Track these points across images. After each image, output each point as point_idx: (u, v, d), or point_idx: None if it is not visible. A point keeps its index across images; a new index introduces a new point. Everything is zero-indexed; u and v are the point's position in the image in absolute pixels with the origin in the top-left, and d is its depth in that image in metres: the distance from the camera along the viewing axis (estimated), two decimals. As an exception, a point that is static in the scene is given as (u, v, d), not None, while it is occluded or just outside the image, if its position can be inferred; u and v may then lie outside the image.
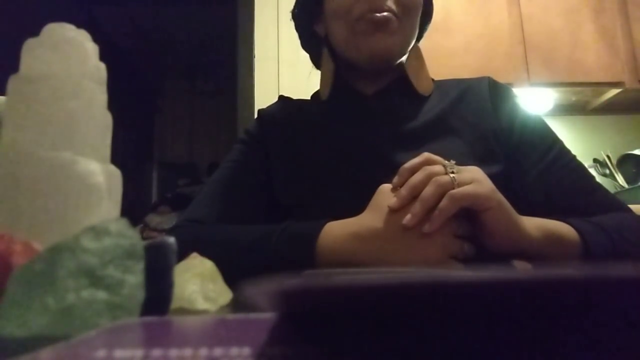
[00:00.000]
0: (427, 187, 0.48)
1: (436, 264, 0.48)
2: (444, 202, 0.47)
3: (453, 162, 0.50)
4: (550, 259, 0.52)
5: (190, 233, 0.62)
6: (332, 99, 0.74)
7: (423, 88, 0.72)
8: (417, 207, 0.47)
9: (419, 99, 0.71)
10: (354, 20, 0.66)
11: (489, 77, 0.74)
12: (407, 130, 0.68)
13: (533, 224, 0.51)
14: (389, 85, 0.72)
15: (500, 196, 0.49)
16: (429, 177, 0.48)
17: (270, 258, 0.53)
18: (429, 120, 0.68)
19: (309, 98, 0.80)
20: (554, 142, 0.68)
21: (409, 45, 0.71)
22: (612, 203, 0.63)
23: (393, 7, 0.65)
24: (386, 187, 0.52)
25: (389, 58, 0.69)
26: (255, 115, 0.79)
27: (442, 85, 0.75)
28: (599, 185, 0.66)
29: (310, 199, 0.65)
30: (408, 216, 0.47)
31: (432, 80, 0.77)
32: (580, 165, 0.67)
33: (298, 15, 0.77)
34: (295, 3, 0.77)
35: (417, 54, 0.73)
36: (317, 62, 0.81)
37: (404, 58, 0.72)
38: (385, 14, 0.65)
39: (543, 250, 0.51)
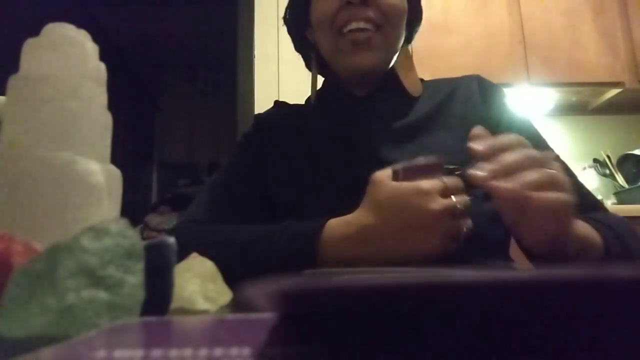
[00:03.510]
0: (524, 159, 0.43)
1: (437, 251, 0.47)
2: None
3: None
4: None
5: (190, 233, 0.62)
6: (324, 102, 0.76)
7: (412, 88, 0.73)
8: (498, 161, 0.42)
9: (409, 99, 0.72)
10: (337, 33, 0.66)
11: (477, 75, 0.75)
12: (398, 127, 0.68)
13: (577, 231, 0.48)
14: (379, 87, 0.73)
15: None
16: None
17: (271, 257, 0.54)
18: (419, 117, 0.69)
19: (304, 102, 0.82)
20: (539, 141, 0.69)
21: (393, 55, 0.72)
22: (594, 203, 0.65)
23: (374, 17, 0.65)
24: (379, 176, 0.51)
25: (371, 73, 0.70)
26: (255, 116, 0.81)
27: (432, 85, 0.76)
28: (581, 185, 0.67)
29: (306, 198, 0.65)
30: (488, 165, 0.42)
31: (422, 80, 0.78)
32: (563, 165, 0.68)
33: (289, 21, 0.78)
34: (286, 9, 0.78)
35: (406, 54, 0.74)
36: (309, 66, 0.82)
37: (392, 60, 0.72)
38: (365, 32, 0.65)
39: (574, 256, 0.49)
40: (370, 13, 0.65)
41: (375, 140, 0.67)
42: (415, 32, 0.78)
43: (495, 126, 0.68)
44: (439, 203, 0.47)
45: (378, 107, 0.71)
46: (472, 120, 0.68)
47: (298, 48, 0.81)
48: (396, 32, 0.69)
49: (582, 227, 0.51)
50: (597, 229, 0.53)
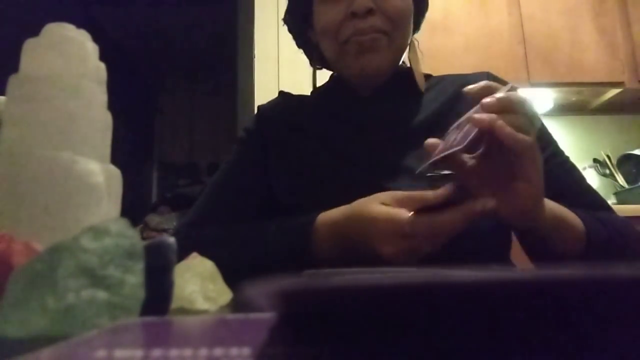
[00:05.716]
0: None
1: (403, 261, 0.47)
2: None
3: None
4: (554, 242, 0.52)
5: (190, 237, 0.63)
6: (331, 99, 0.74)
7: (420, 83, 0.72)
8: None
9: (416, 96, 0.71)
10: (342, 42, 0.66)
11: (488, 72, 0.74)
12: (405, 129, 0.67)
13: (548, 205, 0.50)
14: (386, 86, 0.72)
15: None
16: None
17: (267, 255, 0.54)
18: (426, 118, 0.68)
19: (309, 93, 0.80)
20: (549, 142, 0.68)
21: (401, 55, 0.71)
22: (601, 204, 0.64)
23: (380, 24, 0.64)
24: (371, 199, 0.51)
25: (380, 75, 0.69)
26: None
27: (440, 82, 0.74)
28: (589, 186, 0.66)
29: (309, 198, 0.65)
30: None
31: (431, 76, 0.77)
32: (573, 166, 0.68)
33: (289, 21, 0.77)
34: (286, 10, 0.77)
35: (414, 48, 0.73)
36: (312, 60, 0.80)
37: (404, 56, 0.72)
38: (371, 35, 0.64)
39: (550, 232, 0.51)
40: (376, 22, 0.64)
41: (380, 143, 0.66)
42: (421, 21, 0.76)
43: None
44: (391, 248, 0.47)
45: (385, 108, 0.70)
46: None
47: (300, 45, 0.80)
48: (403, 34, 0.68)
49: (559, 209, 0.53)
50: (582, 218, 0.54)
